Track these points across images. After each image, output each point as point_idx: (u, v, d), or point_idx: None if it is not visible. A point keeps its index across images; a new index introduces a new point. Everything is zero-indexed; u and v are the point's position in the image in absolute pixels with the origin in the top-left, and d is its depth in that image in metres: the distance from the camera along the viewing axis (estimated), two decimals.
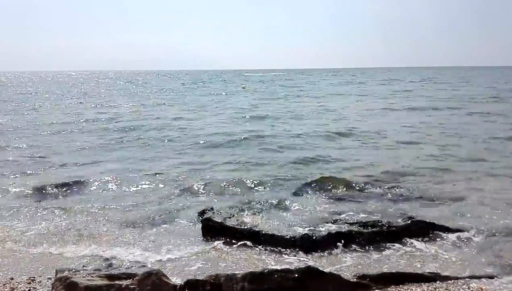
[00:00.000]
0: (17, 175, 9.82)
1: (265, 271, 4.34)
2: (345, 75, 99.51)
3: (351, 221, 6.47)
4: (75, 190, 8.66)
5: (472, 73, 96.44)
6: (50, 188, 8.67)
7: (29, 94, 41.42)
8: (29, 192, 8.46)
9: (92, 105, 28.34)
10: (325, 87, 49.64)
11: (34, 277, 4.88)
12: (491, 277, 4.75)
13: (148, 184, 8.96)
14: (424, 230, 6.11)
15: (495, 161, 10.55)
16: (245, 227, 6.19)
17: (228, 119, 20.31)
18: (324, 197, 7.91)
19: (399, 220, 6.45)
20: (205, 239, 6.08)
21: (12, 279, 4.85)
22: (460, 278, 4.72)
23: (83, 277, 4.29)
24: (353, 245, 5.77)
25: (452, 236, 6.00)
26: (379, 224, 6.24)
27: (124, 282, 4.20)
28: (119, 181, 9.19)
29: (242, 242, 5.90)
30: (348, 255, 5.56)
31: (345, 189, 8.32)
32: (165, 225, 6.68)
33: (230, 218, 6.55)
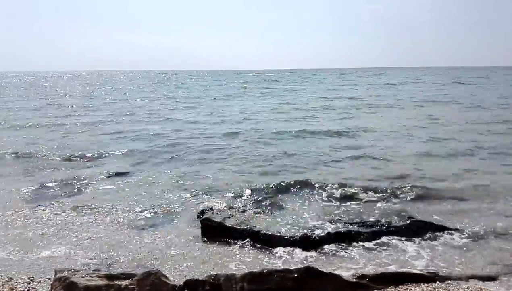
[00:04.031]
0: (19, 174, 9.83)
1: (264, 271, 4.34)
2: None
3: (350, 221, 6.48)
4: (74, 190, 8.65)
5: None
6: (49, 188, 8.67)
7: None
8: (29, 191, 8.46)
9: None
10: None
11: (33, 277, 4.88)
12: (491, 277, 4.75)
13: (147, 184, 8.96)
14: (423, 230, 6.12)
15: (496, 160, 10.55)
16: (245, 227, 6.19)
17: None
18: (323, 197, 7.91)
19: (398, 220, 6.46)
20: (204, 239, 6.08)
21: (11, 279, 4.84)
22: (460, 278, 4.72)
23: (82, 277, 4.29)
24: (352, 245, 5.77)
25: (452, 236, 6.01)
26: (378, 224, 6.25)
27: (124, 282, 4.20)
28: (117, 181, 9.20)
29: (241, 242, 5.90)
30: (347, 255, 5.56)
31: (344, 189, 8.30)
32: (164, 225, 6.68)
33: (229, 218, 6.56)
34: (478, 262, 5.24)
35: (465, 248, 5.67)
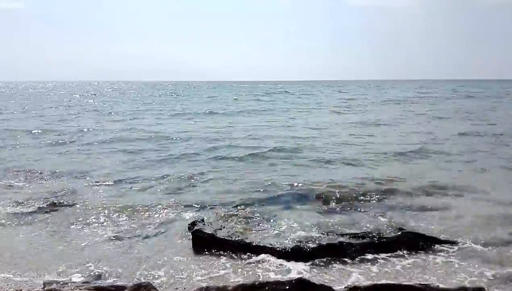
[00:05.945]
0: (12, 184, 9.71)
1: (256, 283, 4.34)
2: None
3: (342, 232, 6.49)
4: (65, 199, 8.55)
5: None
6: (42, 197, 8.57)
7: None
8: (21, 200, 8.35)
9: None
10: None
11: (21, 290, 4.80)
12: (481, 289, 4.78)
13: (138, 196, 8.89)
14: (414, 241, 6.14)
15: (486, 171, 10.67)
16: (236, 239, 6.16)
17: None
18: (315, 208, 7.92)
19: (390, 232, 6.49)
20: (195, 250, 6.04)
21: None
22: (450, 289, 4.74)
23: (71, 289, 4.24)
24: (344, 257, 5.77)
25: (442, 247, 6.05)
26: (370, 235, 6.27)
27: None
28: (109, 191, 9.12)
29: (233, 254, 5.87)
30: (339, 266, 5.56)
31: (336, 200, 8.33)
32: (155, 237, 6.62)
33: (220, 229, 6.53)
34: (468, 273, 5.28)
35: (455, 259, 5.70)
